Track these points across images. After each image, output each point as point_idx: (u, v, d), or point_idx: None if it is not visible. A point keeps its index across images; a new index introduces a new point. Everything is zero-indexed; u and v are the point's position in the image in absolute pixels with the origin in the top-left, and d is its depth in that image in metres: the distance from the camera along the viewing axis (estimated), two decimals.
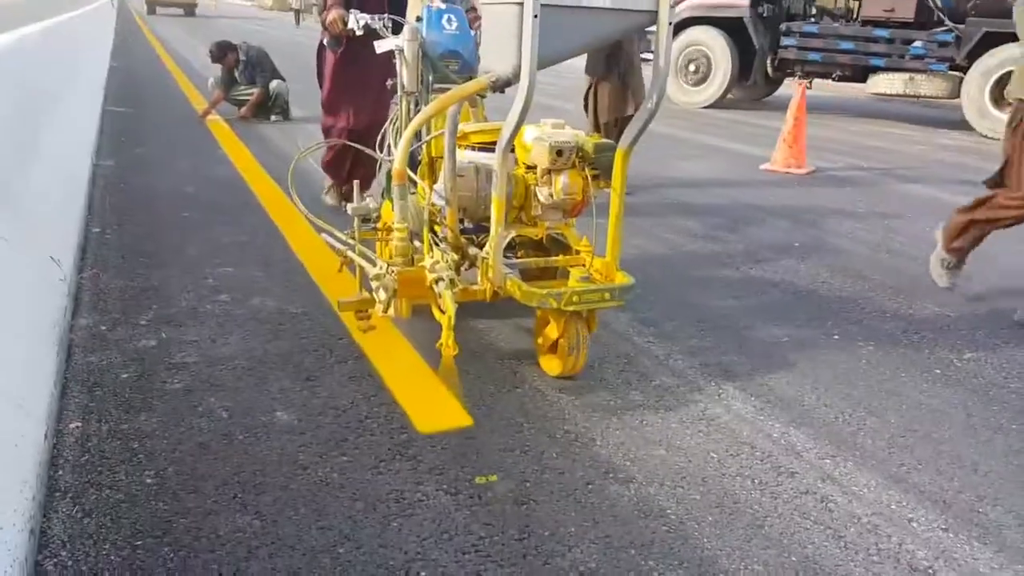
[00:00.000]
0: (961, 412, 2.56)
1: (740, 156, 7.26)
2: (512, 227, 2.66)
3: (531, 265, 2.71)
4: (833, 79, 10.48)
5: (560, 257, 2.70)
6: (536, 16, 2.10)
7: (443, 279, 2.34)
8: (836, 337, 3.13)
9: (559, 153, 2.47)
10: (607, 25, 2.35)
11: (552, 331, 2.54)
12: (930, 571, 1.81)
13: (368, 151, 3.36)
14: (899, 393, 2.67)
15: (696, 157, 7.07)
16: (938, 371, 2.86)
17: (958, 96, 9.27)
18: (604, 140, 2.58)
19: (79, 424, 2.21)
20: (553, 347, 2.56)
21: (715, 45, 10.58)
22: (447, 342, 2.26)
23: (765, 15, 10.33)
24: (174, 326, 2.90)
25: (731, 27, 10.42)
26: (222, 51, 7.58)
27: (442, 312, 2.37)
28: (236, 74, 7.71)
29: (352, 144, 3.68)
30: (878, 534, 1.93)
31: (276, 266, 3.62)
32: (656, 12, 2.29)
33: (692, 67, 10.83)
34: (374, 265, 2.52)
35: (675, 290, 3.57)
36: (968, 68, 8.97)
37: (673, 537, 1.87)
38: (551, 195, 2.55)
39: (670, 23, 2.27)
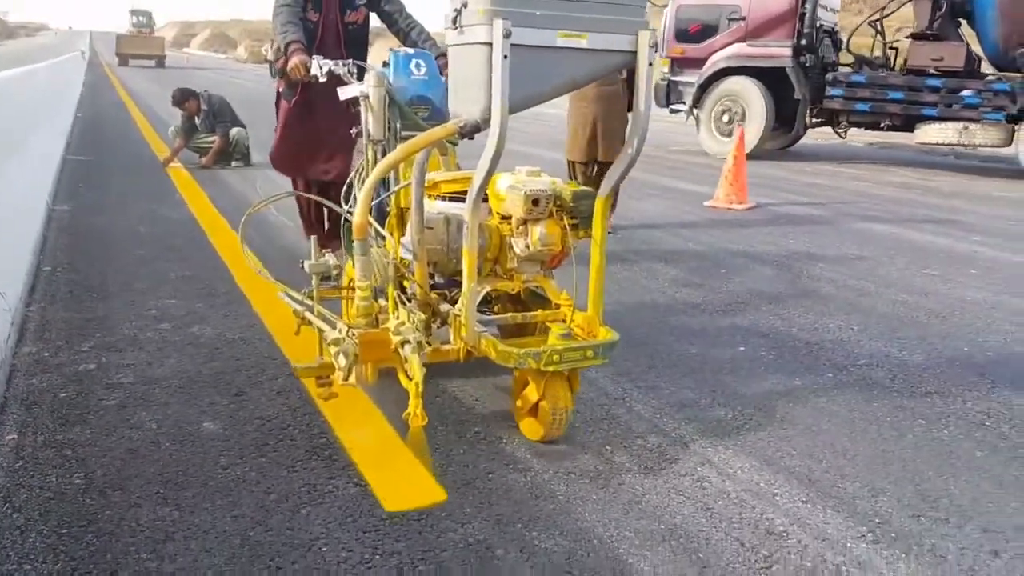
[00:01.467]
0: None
1: (687, 194, 7.57)
2: (486, 281, 2.51)
3: (508, 321, 2.54)
4: (882, 128, 10.44)
5: (539, 312, 2.53)
6: (506, 57, 1.97)
7: (409, 341, 2.17)
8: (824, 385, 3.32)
9: (535, 202, 2.32)
10: (582, 66, 2.17)
11: (532, 393, 2.36)
12: (784, 534, 2.02)
13: (328, 204, 3.19)
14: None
15: (648, 196, 7.33)
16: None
17: (1009, 144, 9.36)
18: (583, 188, 2.46)
19: (15, 436, 2.37)
20: (533, 410, 2.39)
21: (751, 95, 10.45)
22: (415, 411, 2.10)
23: (807, 64, 10.25)
24: (114, 351, 3.07)
25: (769, 77, 10.33)
26: (184, 96, 7.83)
27: (409, 378, 2.18)
28: (197, 122, 7.94)
29: (312, 197, 3.49)
30: (743, 506, 2.13)
31: (219, 298, 3.81)
32: (634, 53, 2.17)
33: (726, 117, 10.71)
34: (333, 327, 2.34)
35: (653, 339, 3.53)
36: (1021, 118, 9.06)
37: None
38: (527, 246, 2.40)
39: (651, 63, 2.16)
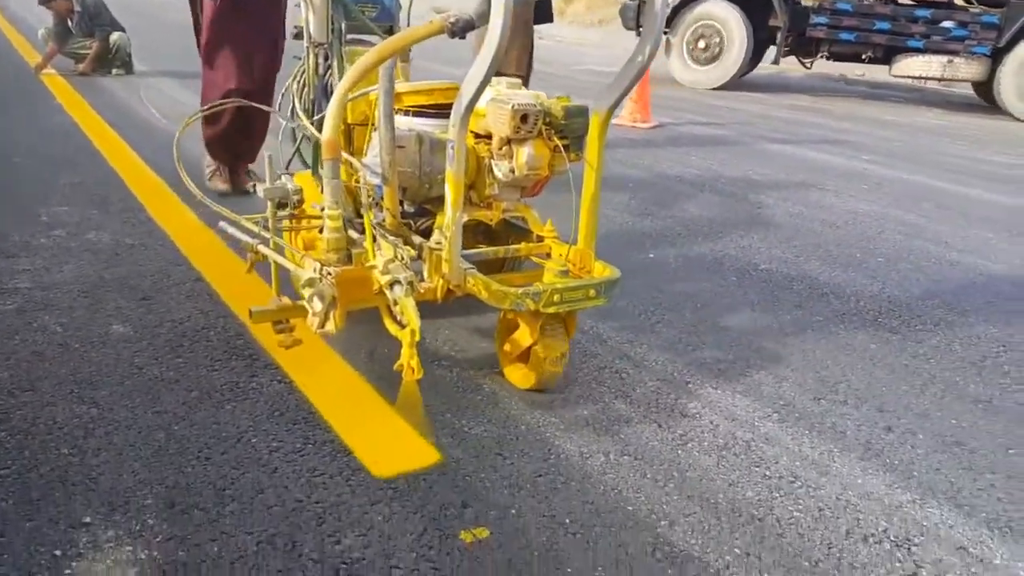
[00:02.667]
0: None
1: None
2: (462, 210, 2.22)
3: (491, 255, 2.25)
4: (863, 60, 10.09)
5: (522, 245, 2.28)
6: None
7: (400, 282, 1.88)
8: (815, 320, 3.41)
9: (524, 119, 2.04)
10: None
11: (523, 337, 2.11)
12: (697, 415, 2.13)
13: (268, 109, 3.06)
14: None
15: None
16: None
17: (989, 78, 9.19)
18: (574, 103, 2.19)
19: None
20: (523, 355, 2.16)
21: (730, 20, 9.74)
22: (408, 363, 1.82)
23: None
24: (5, 257, 2.90)
25: (749, 2, 9.71)
26: None
27: (399, 324, 1.95)
28: (71, 26, 7.38)
29: (250, 104, 3.06)
30: (659, 393, 2.24)
31: (113, 205, 3.62)
32: None
33: (702, 44, 9.95)
34: (302, 265, 2.07)
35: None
36: (1003, 51, 8.92)
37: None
38: (512, 171, 2.13)
39: None
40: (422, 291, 2.03)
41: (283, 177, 2.25)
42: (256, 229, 2.33)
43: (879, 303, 3.07)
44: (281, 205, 2.25)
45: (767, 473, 1.91)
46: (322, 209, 2.06)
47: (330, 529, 1.60)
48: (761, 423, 2.13)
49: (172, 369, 2.19)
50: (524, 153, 2.09)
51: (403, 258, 1.96)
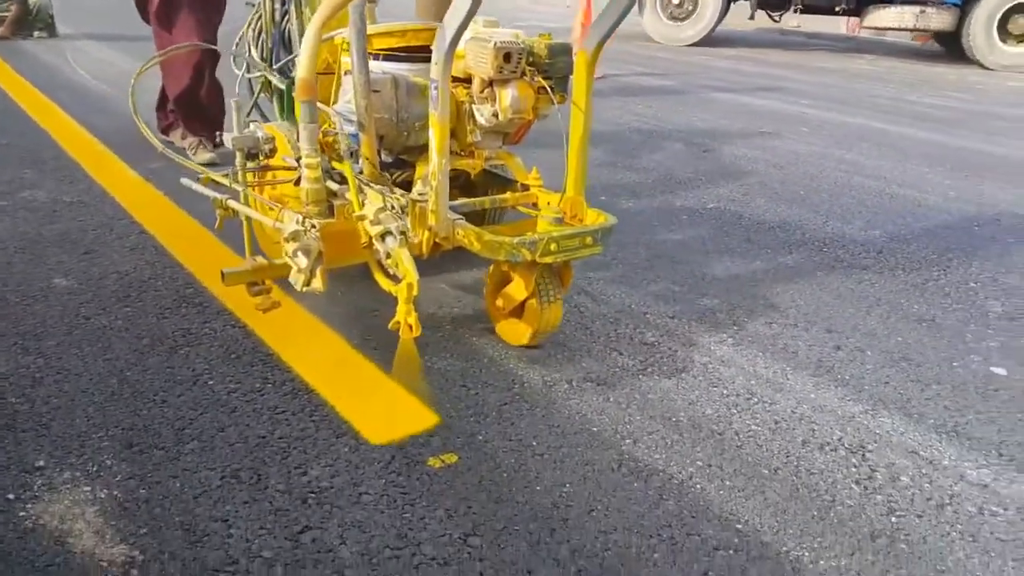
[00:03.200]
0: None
1: None
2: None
3: (476, 206, 2.12)
4: (836, 12, 9.93)
5: (508, 195, 2.16)
6: None
7: (392, 233, 1.74)
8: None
9: (507, 58, 1.92)
10: None
11: (517, 291, 2.00)
12: (656, 344, 2.16)
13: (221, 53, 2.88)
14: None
15: None
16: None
17: (957, 28, 9.10)
18: (557, 42, 2.05)
19: None
20: (517, 311, 2.04)
21: None
22: (405, 320, 1.67)
23: None
24: None
25: None
26: None
27: (391, 279, 1.83)
28: None
29: (208, 47, 2.98)
30: (616, 323, 2.26)
31: (47, 164, 3.49)
32: None
33: (676, 0, 9.83)
34: (278, 218, 1.90)
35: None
36: (972, 1, 8.87)
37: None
38: (496, 115, 2.01)
39: None
40: (414, 243, 1.88)
41: (252, 125, 2.06)
42: (226, 183, 2.12)
43: (824, 234, 3.13)
44: (251, 156, 2.07)
45: (724, 392, 1.95)
46: (297, 160, 1.94)
47: (296, 462, 1.59)
48: (717, 347, 2.17)
49: (121, 318, 2.13)
50: (508, 95, 1.97)
51: (394, 207, 1.82)
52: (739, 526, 1.48)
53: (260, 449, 1.62)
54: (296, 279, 1.75)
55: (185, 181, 2.20)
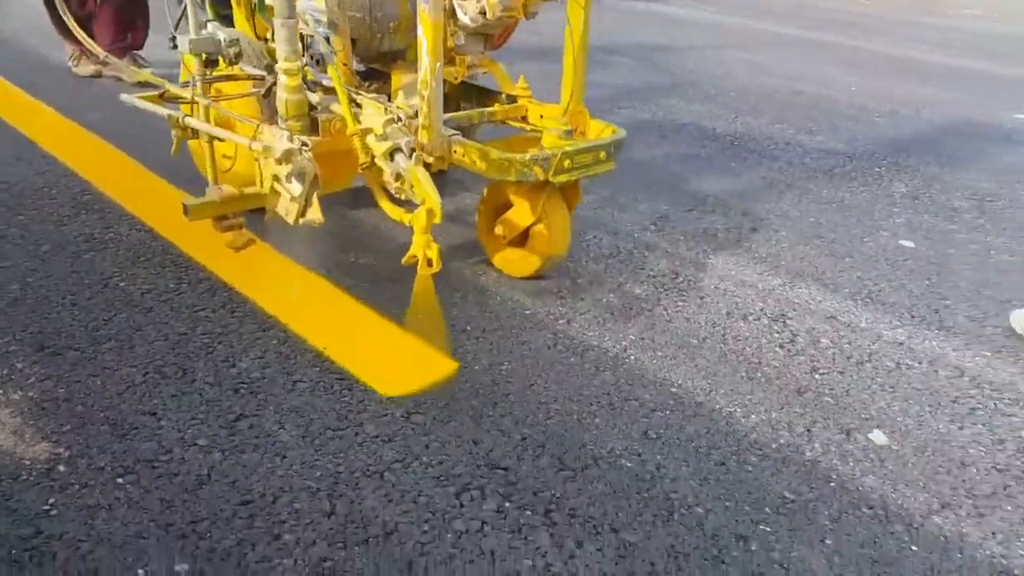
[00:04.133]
0: None
1: None
2: (414, 67, 1.81)
3: (464, 120, 1.86)
4: None
5: (497, 108, 1.94)
6: None
7: (402, 149, 1.48)
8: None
9: None
10: None
11: (521, 216, 1.78)
12: (582, 232, 2.16)
13: None
14: None
15: None
16: None
17: None
18: None
19: None
20: (520, 239, 1.84)
21: None
22: (424, 254, 1.44)
23: None
24: None
25: None
26: None
27: (401, 206, 1.58)
28: None
29: None
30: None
31: None
32: None
33: None
34: (256, 136, 1.50)
35: None
36: None
37: None
38: (483, 12, 1.73)
39: None
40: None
41: (210, 25, 1.71)
42: (182, 96, 1.76)
43: (735, 129, 3.18)
44: (209, 63, 1.73)
45: (651, 273, 1.97)
46: (268, 66, 1.70)
47: (222, 356, 1.53)
48: (641, 234, 2.19)
49: (15, 227, 1.99)
50: None
51: (400, 119, 1.51)
52: (674, 389, 1.51)
53: (182, 345, 1.55)
54: (287, 209, 1.45)
55: (126, 98, 1.81)
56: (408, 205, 1.52)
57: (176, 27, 1.98)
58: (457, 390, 1.47)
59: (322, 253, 1.96)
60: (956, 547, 1.18)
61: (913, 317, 1.84)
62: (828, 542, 1.17)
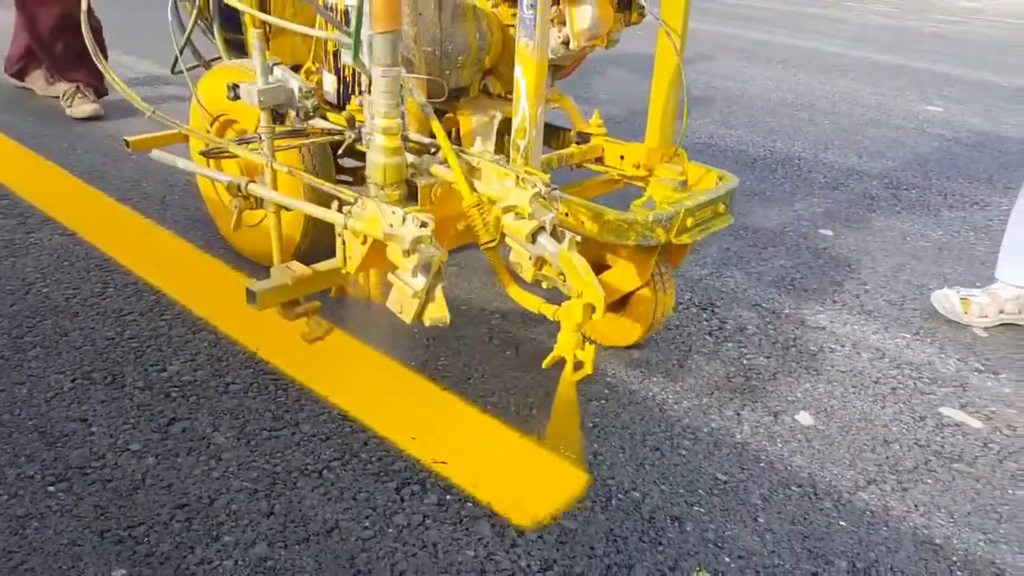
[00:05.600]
0: None
1: None
2: (485, 104, 1.60)
3: (546, 167, 1.56)
4: None
5: (573, 149, 1.69)
6: None
7: (546, 228, 1.14)
8: None
9: None
10: None
11: (624, 279, 1.53)
12: None
13: None
14: None
15: None
16: None
17: None
18: None
19: None
20: (618, 303, 1.59)
21: None
22: (576, 356, 1.17)
23: None
24: None
25: None
26: None
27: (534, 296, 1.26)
28: None
29: None
30: None
31: None
32: None
33: None
34: (365, 216, 1.13)
35: None
36: None
37: None
38: (567, 42, 1.53)
39: None
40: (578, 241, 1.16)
41: (277, 69, 1.30)
42: (241, 154, 1.37)
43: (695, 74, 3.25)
44: (277, 118, 1.37)
45: None
46: (349, 120, 1.44)
47: (152, 360, 1.50)
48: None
49: None
50: (585, 15, 1.47)
51: (538, 188, 1.16)
52: (609, 379, 1.54)
53: (111, 350, 1.52)
54: (404, 306, 1.13)
55: (158, 155, 1.42)
56: (533, 289, 1.26)
57: (181, 51, 1.77)
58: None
59: (403, 342, 1.64)
60: (882, 521, 1.24)
61: (835, 303, 1.91)
62: (760, 520, 1.22)
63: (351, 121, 1.47)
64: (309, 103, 1.35)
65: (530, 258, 1.16)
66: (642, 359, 1.62)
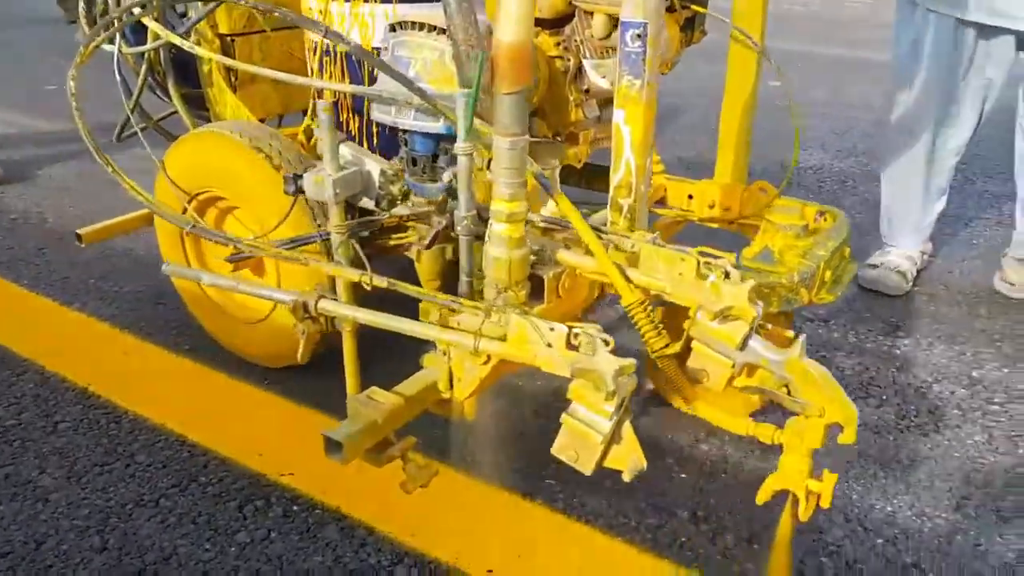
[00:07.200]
0: None
1: None
2: (544, 149, 1.28)
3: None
4: None
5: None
6: None
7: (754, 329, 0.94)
8: None
9: None
10: None
11: None
12: None
13: None
14: None
15: None
16: None
17: None
18: None
19: None
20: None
21: None
22: (808, 491, 0.94)
23: None
24: None
25: None
26: None
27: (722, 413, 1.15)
28: None
29: None
30: None
31: None
32: None
33: None
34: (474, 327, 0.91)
35: None
36: None
37: None
38: None
39: None
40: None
41: (344, 147, 1.12)
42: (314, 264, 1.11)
43: None
44: (350, 209, 1.15)
45: None
46: (440, 206, 1.19)
47: None
48: None
49: None
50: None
51: (730, 275, 0.93)
52: None
53: None
54: (583, 452, 0.86)
55: (172, 270, 1.24)
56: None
57: (132, 110, 1.52)
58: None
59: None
60: (721, 469, 1.29)
61: None
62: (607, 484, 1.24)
63: (440, 207, 1.18)
64: (395, 188, 1.14)
65: (733, 365, 0.92)
66: None
